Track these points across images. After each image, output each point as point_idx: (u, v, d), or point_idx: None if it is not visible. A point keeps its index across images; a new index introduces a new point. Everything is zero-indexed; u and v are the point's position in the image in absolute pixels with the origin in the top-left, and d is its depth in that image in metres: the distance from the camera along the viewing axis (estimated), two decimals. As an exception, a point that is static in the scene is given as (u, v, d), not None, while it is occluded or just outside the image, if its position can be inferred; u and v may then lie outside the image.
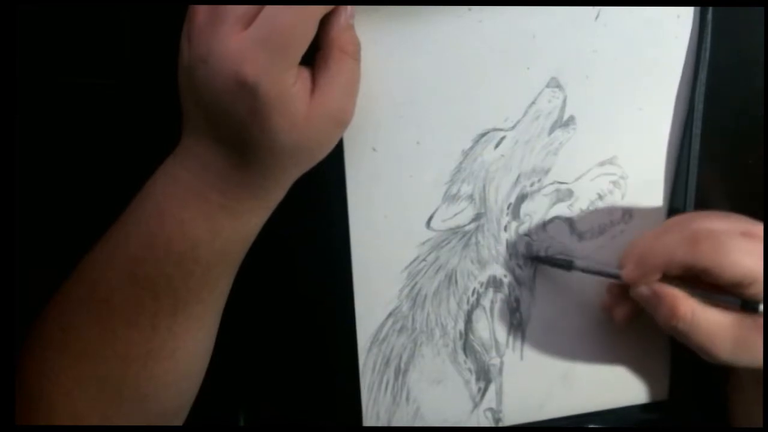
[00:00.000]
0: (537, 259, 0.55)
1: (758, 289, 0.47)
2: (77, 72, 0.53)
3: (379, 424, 0.57)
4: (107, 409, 0.47)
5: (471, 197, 0.54)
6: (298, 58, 0.42)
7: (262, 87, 0.41)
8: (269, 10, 0.41)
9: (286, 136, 0.43)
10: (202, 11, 0.42)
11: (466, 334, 0.56)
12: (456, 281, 0.55)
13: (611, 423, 0.59)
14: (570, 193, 0.55)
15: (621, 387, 0.59)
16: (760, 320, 0.48)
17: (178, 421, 0.51)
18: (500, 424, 0.58)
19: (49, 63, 0.53)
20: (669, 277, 0.50)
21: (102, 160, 0.54)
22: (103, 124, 0.54)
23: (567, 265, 0.54)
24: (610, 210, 0.55)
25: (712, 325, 0.49)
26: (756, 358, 0.49)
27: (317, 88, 0.44)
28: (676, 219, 0.52)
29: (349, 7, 0.45)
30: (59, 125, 0.54)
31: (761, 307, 0.47)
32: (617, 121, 0.54)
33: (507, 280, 0.56)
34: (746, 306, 0.48)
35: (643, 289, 0.51)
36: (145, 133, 0.53)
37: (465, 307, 0.56)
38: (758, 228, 0.48)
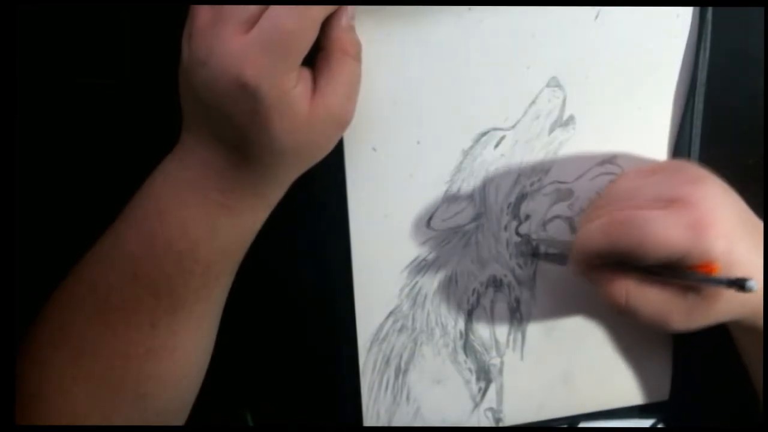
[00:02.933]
0: (535, 256, 0.55)
1: (694, 259, 0.44)
2: (77, 72, 0.53)
3: (380, 424, 0.57)
4: (107, 408, 0.47)
5: (471, 197, 0.54)
6: (300, 60, 0.42)
7: (263, 89, 0.41)
8: (272, 12, 0.41)
9: (287, 137, 0.43)
10: (203, 12, 0.42)
11: (467, 333, 0.56)
12: (456, 281, 0.55)
13: (611, 423, 0.59)
14: (570, 193, 0.55)
15: (621, 387, 0.59)
16: (707, 291, 0.46)
17: (179, 420, 0.51)
18: (500, 424, 0.58)
19: (49, 63, 0.53)
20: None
21: (102, 159, 0.55)
22: (103, 124, 0.54)
23: (562, 260, 0.54)
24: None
25: (653, 304, 0.47)
26: (713, 319, 0.48)
27: (318, 90, 0.44)
28: (603, 196, 0.50)
29: (349, 8, 0.45)
30: (59, 125, 0.54)
31: (753, 285, 0.43)
32: (617, 120, 0.54)
33: (507, 279, 0.56)
34: (736, 286, 0.43)
35: (582, 277, 0.50)
36: (145, 133, 0.53)
37: (465, 306, 0.56)
38: (689, 190, 0.46)
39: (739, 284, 0.43)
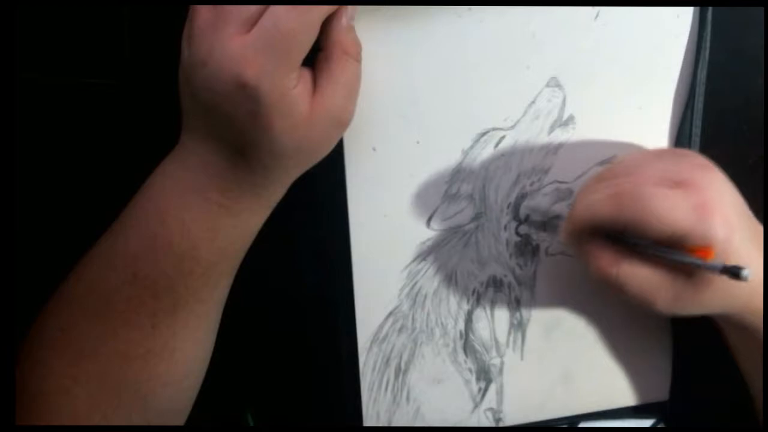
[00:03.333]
0: (525, 221, 0.55)
1: (694, 241, 0.44)
2: (77, 72, 0.53)
3: (379, 424, 0.57)
4: (107, 408, 0.47)
5: (471, 197, 0.54)
6: (300, 61, 0.42)
7: (264, 90, 0.41)
8: (272, 12, 0.41)
9: (288, 137, 0.43)
10: (204, 13, 0.42)
11: (467, 333, 0.56)
12: (456, 281, 0.55)
13: (611, 423, 0.59)
14: (570, 193, 0.55)
15: (621, 387, 0.59)
16: (698, 277, 0.46)
17: (179, 420, 0.51)
18: (500, 424, 0.58)
19: (50, 63, 0.53)
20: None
21: (102, 160, 0.55)
22: (103, 124, 0.54)
23: (544, 227, 0.54)
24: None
25: (642, 281, 0.47)
26: (700, 308, 0.48)
27: (319, 90, 0.44)
28: (609, 170, 0.50)
29: (349, 8, 0.45)
30: (59, 125, 0.54)
31: (747, 273, 0.43)
32: (617, 120, 0.54)
33: (507, 279, 0.56)
34: (730, 273, 0.43)
35: (568, 243, 0.50)
36: (145, 133, 0.53)
37: (465, 306, 0.56)
38: (697, 174, 0.46)
39: (734, 272, 0.43)
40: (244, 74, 0.41)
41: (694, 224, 0.44)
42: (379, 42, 0.49)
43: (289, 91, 0.42)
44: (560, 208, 0.55)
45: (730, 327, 0.52)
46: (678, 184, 0.45)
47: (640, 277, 0.47)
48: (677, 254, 0.46)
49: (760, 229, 0.49)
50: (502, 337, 0.57)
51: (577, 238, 0.49)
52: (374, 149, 0.52)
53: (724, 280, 0.44)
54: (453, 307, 0.56)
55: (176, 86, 0.45)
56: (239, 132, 0.43)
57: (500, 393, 0.58)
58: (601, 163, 0.54)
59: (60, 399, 0.46)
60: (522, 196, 0.54)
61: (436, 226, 0.54)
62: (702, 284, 0.46)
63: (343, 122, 0.46)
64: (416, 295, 0.55)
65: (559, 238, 0.51)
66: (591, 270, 0.49)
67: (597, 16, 0.51)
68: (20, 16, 0.51)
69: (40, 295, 0.48)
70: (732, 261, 0.44)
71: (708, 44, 0.52)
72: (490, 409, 0.58)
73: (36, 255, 0.51)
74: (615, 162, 0.51)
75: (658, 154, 0.50)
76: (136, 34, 0.53)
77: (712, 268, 0.44)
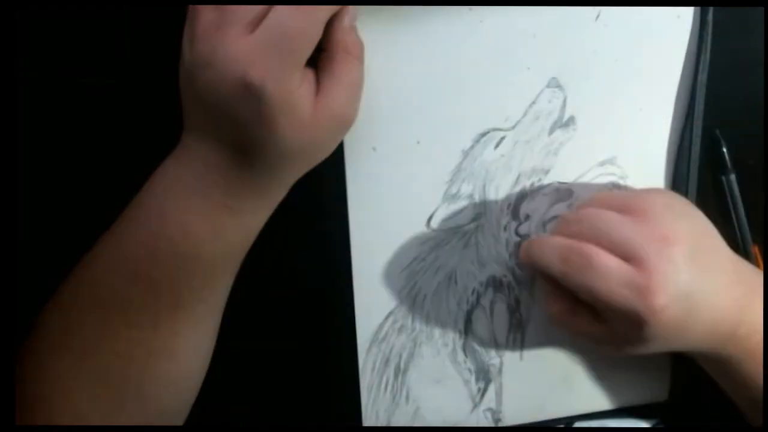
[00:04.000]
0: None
1: (633, 320, 0.47)
2: (77, 72, 0.53)
3: (379, 424, 0.57)
4: (108, 408, 0.47)
5: (471, 197, 0.54)
6: (304, 61, 0.42)
7: (268, 90, 0.41)
8: (276, 13, 0.41)
9: (292, 138, 0.43)
10: (207, 13, 0.42)
11: (466, 333, 0.56)
12: (456, 281, 0.55)
13: (611, 423, 0.59)
14: (570, 193, 0.55)
15: (621, 387, 0.59)
16: (624, 325, 0.48)
17: (179, 420, 0.51)
18: (500, 424, 0.58)
19: (49, 63, 0.53)
20: None
21: (102, 160, 0.54)
22: (103, 124, 0.54)
23: None
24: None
25: (583, 327, 0.50)
26: (654, 350, 0.49)
27: (322, 90, 0.44)
28: (573, 221, 0.51)
29: (351, 8, 0.45)
30: (59, 125, 0.54)
31: None
32: (617, 121, 0.54)
33: (507, 280, 0.56)
34: None
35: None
36: (146, 133, 0.53)
37: (465, 306, 0.56)
38: (652, 251, 0.47)
39: None
40: (248, 75, 0.41)
41: (632, 305, 0.46)
42: (380, 42, 0.49)
43: (294, 92, 0.42)
44: (560, 208, 0.54)
45: (703, 360, 0.53)
46: (629, 257, 0.47)
47: (582, 324, 0.50)
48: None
49: (728, 270, 0.50)
50: (501, 337, 0.57)
51: (538, 277, 0.53)
52: (374, 149, 0.52)
53: (658, 338, 0.47)
54: (452, 307, 0.56)
55: (177, 86, 0.45)
56: (243, 132, 0.43)
57: (499, 393, 0.58)
58: (602, 163, 0.54)
59: (61, 399, 0.46)
60: (522, 197, 0.54)
61: (436, 226, 0.54)
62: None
63: (347, 122, 0.46)
64: (416, 295, 0.55)
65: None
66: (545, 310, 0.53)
67: (597, 16, 0.51)
68: (21, 16, 0.51)
69: (41, 295, 0.48)
70: (668, 334, 0.47)
71: (709, 45, 0.52)
72: (490, 409, 0.58)
73: (37, 255, 0.51)
74: (579, 212, 0.51)
75: (622, 207, 0.50)
76: (136, 34, 0.53)
77: None
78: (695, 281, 0.47)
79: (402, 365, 0.56)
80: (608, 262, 0.47)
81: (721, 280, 0.49)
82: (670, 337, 0.48)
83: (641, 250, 0.47)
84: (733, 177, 0.56)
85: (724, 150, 0.55)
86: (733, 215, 0.56)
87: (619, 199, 0.51)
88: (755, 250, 0.57)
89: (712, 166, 0.56)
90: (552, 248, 0.49)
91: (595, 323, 0.49)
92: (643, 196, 0.51)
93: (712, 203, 0.55)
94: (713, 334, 0.49)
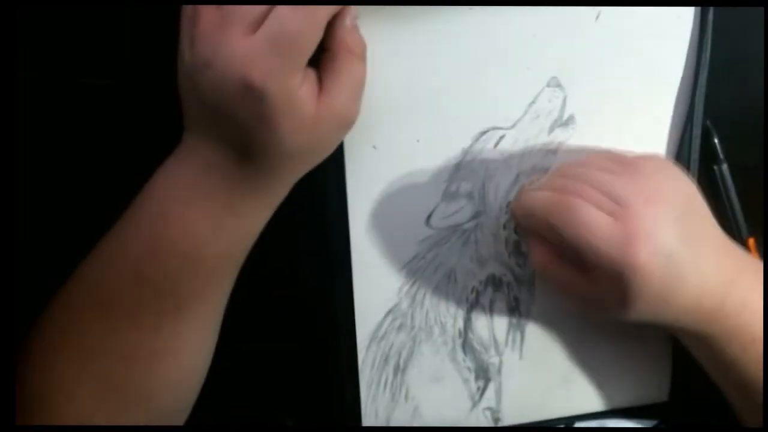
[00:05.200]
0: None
1: (617, 270, 0.46)
2: (77, 72, 0.53)
3: (378, 422, 0.57)
4: (110, 409, 0.47)
5: (470, 195, 0.54)
6: (306, 61, 0.42)
7: (270, 91, 0.41)
8: (277, 13, 0.41)
9: (293, 137, 0.43)
10: (207, 14, 0.42)
11: (465, 332, 0.56)
12: (455, 279, 0.55)
13: (611, 423, 0.59)
14: (570, 192, 0.55)
15: (621, 387, 0.59)
16: (608, 281, 0.47)
17: (180, 420, 0.51)
18: (499, 424, 0.58)
19: (50, 63, 0.53)
20: None
21: (102, 160, 0.54)
22: (103, 124, 0.54)
23: None
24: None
25: (567, 281, 0.50)
26: (634, 318, 0.49)
27: (324, 90, 0.44)
28: (560, 168, 0.52)
29: (353, 8, 0.44)
30: (59, 125, 0.54)
31: None
32: (617, 120, 0.54)
33: (506, 278, 0.56)
34: None
35: (520, 233, 0.54)
36: (146, 133, 0.53)
37: (464, 305, 0.56)
38: (639, 200, 0.47)
39: None
40: (250, 75, 0.41)
41: (615, 257, 0.46)
42: (380, 41, 0.48)
43: (295, 92, 0.42)
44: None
45: (686, 337, 0.53)
46: (616, 213, 0.47)
47: (566, 278, 0.50)
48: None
49: (715, 246, 0.50)
50: (501, 336, 0.57)
51: (519, 223, 0.53)
52: (374, 147, 0.52)
53: (650, 294, 0.47)
54: (452, 305, 0.56)
55: (177, 86, 0.45)
56: (245, 132, 0.43)
57: (499, 392, 0.58)
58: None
59: (62, 400, 0.46)
60: (521, 196, 0.54)
61: (436, 224, 0.54)
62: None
63: (349, 122, 0.46)
64: (415, 293, 0.55)
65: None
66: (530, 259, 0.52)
67: (598, 16, 0.51)
68: (21, 16, 0.51)
69: (42, 295, 0.48)
70: (652, 294, 0.47)
71: (709, 45, 0.52)
72: (489, 408, 0.58)
73: (38, 256, 0.51)
74: (569, 162, 0.52)
75: (616, 163, 0.50)
76: (136, 34, 0.53)
77: None
78: (680, 243, 0.47)
79: (401, 363, 0.56)
80: (593, 214, 0.47)
81: (708, 249, 0.49)
82: (654, 302, 0.47)
83: (627, 205, 0.47)
84: (725, 167, 0.55)
85: (716, 141, 0.55)
86: (727, 205, 0.56)
87: (610, 157, 0.51)
88: (751, 243, 0.56)
89: (706, 159, 0.55)
90: (539, 200, 0.50)
91: (580, 278, 0.49)
92: (637, 156, 0.51)
93: (712, 203, 0.54)
94: (699, 306, 0.48)
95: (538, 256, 0.51)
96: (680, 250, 0.47)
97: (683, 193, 0.49)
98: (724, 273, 0.49)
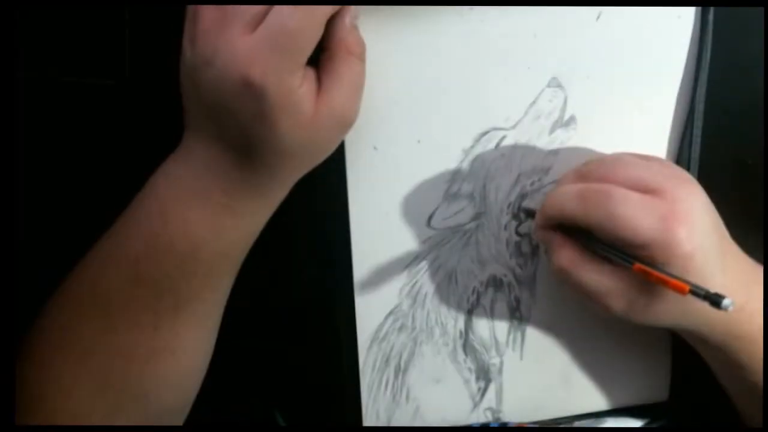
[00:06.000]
0: (525, 212, 0.55)
1: (656, 250, 0.45)
2: (77, 72, 0.53)
3: (379, 423, 0.57)
4: (108, 408, 0.47)
5: (471, 196, 0.54)
6: (305, 60, 0.42)
7: (270, 89, 0.41)
8: (277, 12, 0.41)
9: (292, 137, 0.43)
10: (208, 13, 0.42)
11: (466, 333, 0.56)
12: (456, 280, 0.55)
13: (611, 423, 0.59)
14: (570, 193, 0.55)
15: (621, 387, 0.59)
16: (651, 289, 0.46)
17: (179, 420, 0.51)
18: (500, 424, 0.58)
19: (50, 63, 0.53)
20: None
21: (102, 160, 0.54)
22: (103, 124, 0.54)
23: None
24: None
25: (597, 284, 0.48)
26: (653, 318, 0.48)
27: (323, 90, 0.44)
28: (585, 166, 0.50)
29: (353, 8, 0.44)
30: (59, 125, 0.54)
31: (728, 304, 0.42)
32: (618, 121, 0.54)
33: (507, 279, 0.56)
34: (712, 301, 0.42)
35: (537, 234, 0.51)
36: (146, 133, 0.53)
37: (465, 306, 0.56)
38: (671, 184, 0.46)
39: (714, 300, 0.42)
40: (249, 74, 0.41)
41: (658, 234, 0.44)
42: (381, 41, 0.49)
43: (295, 91, 0.42)
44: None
45: (696, 343, 0.52)
46: (650, 190, 0.46)
47: (596, 279, 0.48)
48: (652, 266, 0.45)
49: (733, 252, 0.49)
50: (501, 336, 0.57)
51: (544, 228, 0.50)
52: (375, 148, 0.52)
53: (678, 297, 0.44)
54: (453, 306, 0.56)
55: (177, 86, 0.45)
56: (244, 132, 0.43)
57: (499, 392, 0.58)
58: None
59: (61, 399, 0.46)
60: (522, 196, 0.54)
61: (437, 225, 0.54)
62: (655, 296, 0.47)
63: (348, 122, 0.46)
64: (416, 294, 0.55)
65: (532, 233, 0.53)
66: (551, 264, 0.50)
67: (599, 16, 0.51)
68: (20, 15, 0.51)
69: (41, 295, 0.48)
70: (692, 277, 0.44)
71: (709, 45, 0.52)
72: (490, 408, 0.58)
73: (37, 255, 0.51)
74: (593, 160, 0.51)
75: (639, 158, 0.50)
76: (137, 34, 0.52)
77: (696, 294, 0.43)
78: (713, 225, 0.46)
79: (402, 364, 0.56)
80: (629, 192, 0.45)
81: (733, 247, 0.49)
82: (696, 274, 0.45)
83: (661, 181, 0.46)
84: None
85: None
86: None
87: (633, 154, 0.51)
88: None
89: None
90: (568, 192, 0.48)
91: (606, 278, 0.47)
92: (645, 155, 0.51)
93: (712, 202, 0.54)
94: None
95: (563, 259, 0.48)
96: (712, 242, 0.46)
97: (702, 191, 0.48)
98: (746, 275, 0.49)
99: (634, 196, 0.45)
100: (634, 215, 0.45)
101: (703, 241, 0.45)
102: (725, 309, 0.42)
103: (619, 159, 0.50)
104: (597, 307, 0.49)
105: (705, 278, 0.45)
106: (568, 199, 0.48)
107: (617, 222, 0.45)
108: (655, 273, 0.44)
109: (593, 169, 0.49)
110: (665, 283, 0.44)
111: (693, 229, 0.45)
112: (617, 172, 0.47)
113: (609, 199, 0.46)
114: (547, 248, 0.50)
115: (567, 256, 0.48)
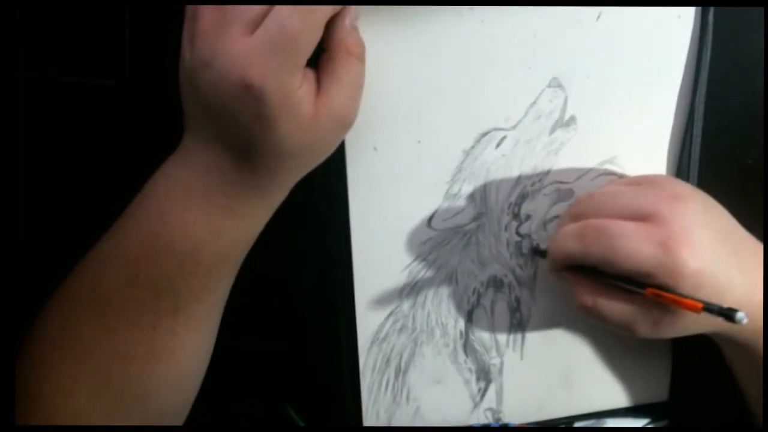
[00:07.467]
0: (536, 253, 0.55)
1: (662, 276, 0.45)
2: (77, 72, 0.53)
3: (379, 424, 0.57)
4: (107, 408, 0.47)
5: (472, 197, 0.54)
6: (305, 61, 0.42)
7: (269, 91, 0.41)
8: (276, 13, 0.41)
9: (292, 138, 0.43)
10: (207, 14, 0.42)
11: (467, 333, 0.56)
12: (456, 281, 0.55)
13: (611, 423, 0.59)
14: (571, 193, 0.55)
15: (621, 387, 0.59)
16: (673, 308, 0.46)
17: (179, 420, 0.51)
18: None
19: (50, 63, 0.53)
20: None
21: (102, 160, 0.54)
22: (103, 124, 0.54)
23: None
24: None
25: (619, 311, 0.48)
26: (683, 331, 0.48)
27: (323, 91, 0.44)
28: (577, 205, 0.51)
29: (353, 8, 0.44)
30: (59, 126, 0.54)
31: (742, 317, 0.42)
32: (618, 121, 0.54)
33: (507, 279, 0.56)
34: (726, 316, 0.43)
35: (559, 279, 0.52)
36: (146, 134, 0.53)
37: (465, 306, 0.56)
38: (664, 207, 0.46)
39: (728, 315, 0.43)
40: (249, 75, 0.41)
41: (660, 260, 0.45)
42: (381, 41, 0.49)
43: (294, 92, 0.42)
44: (560, 208, 0.54)
45: (724, 343, 0.52)
46: (644, 216, 0.46)
47: (617, 308, 0.48)
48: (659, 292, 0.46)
49: (749, 246, 0.49)
50: (502, 337, 0.57)
51: (558, 268, 0.51)
52: (375, 149, 0.52)
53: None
54: (453, 306, 0.56)
55: (177, 87, 0.45)
56: (243, 133, 0.43)
57: (500, 393, 0.58)
58: (602, 163, 0.54)
59: (60, 399, 0.46)
60: (523, 197, 0.54)
61: (437, 225, 0.54)
62: (678, 311, 0.47)
63: (347, 123, 0.46)
64: (416, 294, 0.55)
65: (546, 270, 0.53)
66: (571, 299, 0.50)
67: (599, 16, 0.51)
68: (20, 15, 0.51)
69: (41, 295, 0.48)
70: (708, 290, 0.45)
71: (709, 45, 0.52)
72: (490, 409, 0.58)
73: (37, 255, 0.51)
74: (583, 196, 0.51)
75: (628, 184, 0.50)
76: (137, 34, 0.53)
77: (710, 311, 0.43)
78: (716, 232, 0.46)
79: (403, 365, 0.56)
80: (624, 224, 0.46)
81: (746, 244, 0.48)
82: (710, 287, 0.45)
83: (653, 206, 0.46)
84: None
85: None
86: None
87: (619, 180, 0.51)
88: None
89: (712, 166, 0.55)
90: (567, 234, 0.49)
91: (624, 303, 0.48)
92: (643, 175, 0.51)
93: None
94: (750, 303, 0.46)
95: (584, 296, 0.49)
96: (719, 250, 0.46)
97: (702, 195, 0.49)
98: (760, 264, 0.48)
99: (630, 227, 0.46)
100: (633, 247, 0.45)
101: (709, 253, 0.45)
102: (739, 322, 0.42)
103: (608, 191, 0.50)
104: (626, 333, 0.49)
105: (721, 287, 0.45)
106: (568, 240, 0.49)
107: (618, 256, 0.46)
108: (667, 295, 0.45)
109: (586, 206, 0.50)
110: (678, 304, 0.45)
111: (694, 246, 0.45)
112: (609, 205, 0.48)
113: (606, 234, 0.46)
114: (568, 287, 0.51)
115: (587, 293, 0.49)
